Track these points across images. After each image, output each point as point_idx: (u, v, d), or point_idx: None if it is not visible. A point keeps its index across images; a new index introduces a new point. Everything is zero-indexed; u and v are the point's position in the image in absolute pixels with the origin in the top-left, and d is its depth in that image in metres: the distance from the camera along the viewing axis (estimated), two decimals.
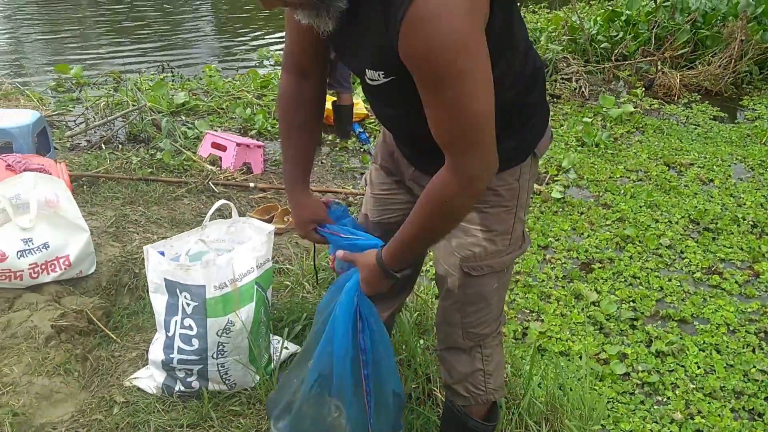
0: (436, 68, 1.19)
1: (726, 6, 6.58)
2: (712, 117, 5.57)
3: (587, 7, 8.08)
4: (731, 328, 3.01)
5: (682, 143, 4.98)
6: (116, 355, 2.24)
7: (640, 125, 5.31)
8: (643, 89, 6.03)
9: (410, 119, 1.36)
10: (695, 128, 5.30)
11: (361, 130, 4.85)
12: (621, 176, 4.45)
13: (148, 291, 2.06)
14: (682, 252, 3.59)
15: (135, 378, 2.11)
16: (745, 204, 4.09)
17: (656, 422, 2.52)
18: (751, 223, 3.86)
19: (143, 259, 2.12)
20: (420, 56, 1.18)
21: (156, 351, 2.03)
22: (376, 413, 1.62)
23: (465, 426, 1.78)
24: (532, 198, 1.68)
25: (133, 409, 2.00)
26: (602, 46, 6.59)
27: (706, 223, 3.84)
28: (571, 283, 3.31)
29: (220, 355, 1.99)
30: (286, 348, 2.22)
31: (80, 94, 5.37)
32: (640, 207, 4.01)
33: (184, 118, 4.85)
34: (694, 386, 2.68)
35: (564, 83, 6.01)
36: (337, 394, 1.60)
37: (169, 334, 1.98)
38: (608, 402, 2.57)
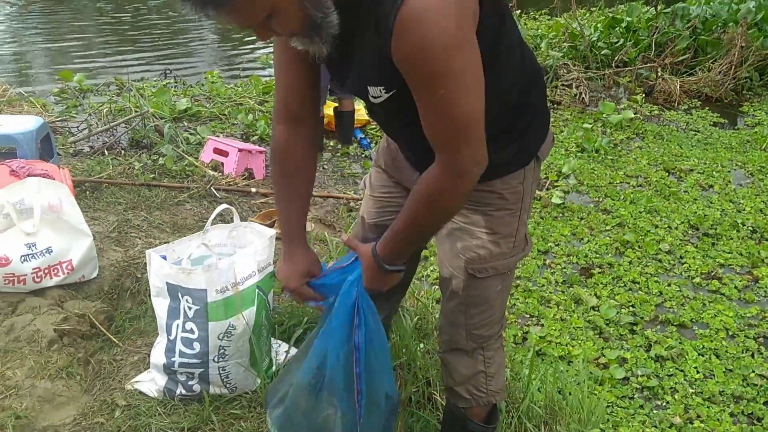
0: (428, 67, 1.21)
1: (726, 13, 6.61)
2: (712, 123, 5.59)
3: (588, 14, 8.12)
4: (730, 333, 3.02)
5: (681, 149, 5.00)
6: (118, 358, 2.26)
7: (640, 131, 5.33)
8: (644, 95, 6.06)
9: (417, 129, 1.39)
10: (695, 134, 5.32)
11: (363, 136, 4.88)
12: (621, 182, 4.47)
13: (149, 295, 2.08)
14: (681, 257, 3.61)
15: (137, 381, 2.13)
16: (744, 209, 4.10)
17: (655, 426, 2.52)
18: (750, 228, 3.88)
19: (145, 263, 2.14)
20: (413, 56, 1.21)
21: (158, 354, 2.05)
22: (367, 413, 1.62)
23: (465, 428, 1.79)
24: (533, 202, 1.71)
25: (134, 412, 2.02)
26: (602, 52, 6.62)
27: (705, 228, 3.86)
28: (571, 288, 3.32)
29: (221, 359, 2.00)
30: (287, 351, 2.24)
31: (83, 100, 5.40)
32: (640, 212, 4.03)
33: (186, 124, 4.88)
34: (693, 391, 2.69)
35: (564, 89, 6.04)
36: (329, 388, 1.60)
37: (171, 338, 1.99)
38: (607, 406, 2.58)
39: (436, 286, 3.20)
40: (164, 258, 2.00)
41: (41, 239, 2.35)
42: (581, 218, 3.98)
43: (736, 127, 5.56)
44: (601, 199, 4.22)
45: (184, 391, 2.05)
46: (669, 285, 3.35)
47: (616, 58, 6.47)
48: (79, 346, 2.24)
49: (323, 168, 4.45)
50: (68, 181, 2.79)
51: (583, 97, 5.91)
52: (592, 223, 3.92)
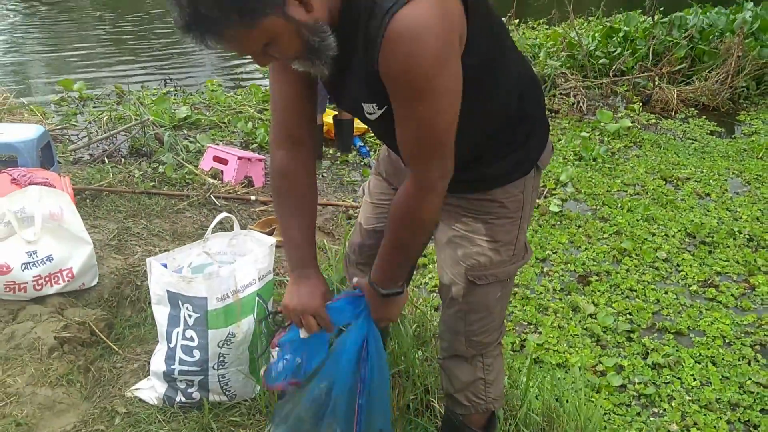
0: (411, 83, 1.25)
1: (723, 22, 6.65)
2: (709, 132, 5.62)
3: (586, 24, 8.16)
4: (727, 341, 3.04)
5: (679, 158, 5.02)
6: (118, 366, 2.27)
7: (638, 140, 5.35)
8: (641, 104, 6.09)
9: None
10: (692, 143, 5.35)
11: (362, 144, 4.90)
12: (618, 190, 4.49)
13: (149, 303, 2.09)
14: (678, 265, 3.63)
15: (136, 389, 2.14)
16: (741, 218, 4.12)
17: None
18: (747, 236, 3.90)
19: (145, 271, 2.15)
20: (397, 71, 1.24)
21: (158, 362, 2.06)
22: None
23: None
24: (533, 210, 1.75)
25: (134, 419, 2.03)
26: (600, 61, 6.66)
27: (702, 236, 3.88)
28: (569, 296, 3.34)
29: (220, 366, 2.02)
30: None
31: (83, 108, 5.42)
32: (637, 220, 4.05)
33: (186, 132, 4.91)
34: (690, 398, 2.70)
35: (562, 98, 6.07)
36: (333, 415, 1.62)
37: (171, 345, 2.01)
38: (605, 414, 2.59)
39: (435, 294, 3.21)
40: (165, 266, 2.01)
41: (42, 247, 2.37)
42: (579, 226, 4.00)
43: (733, 136, 5.59)
44: (598, 207, 4.24)
45: (183, 399, 2.06)
46: (666, 293, 3.37)
47: (613, 67, 6.51)
48: (79, 353, 2.26)
49: (322, 176, 4.47)
50: (69, 189, 2.81)
51: (580, 106, 5.94)
52: (590, 231, 3.94)
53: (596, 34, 7.07)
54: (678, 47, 6.37)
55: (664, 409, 2.65)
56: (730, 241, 3.83)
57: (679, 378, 2.81)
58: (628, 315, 3.20)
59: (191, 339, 1.98)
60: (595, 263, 3.62)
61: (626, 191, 4.48)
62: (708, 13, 6.98)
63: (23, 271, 2.33)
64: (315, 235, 1.65)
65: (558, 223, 4.04)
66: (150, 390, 2.11)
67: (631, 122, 5.58)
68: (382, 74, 1.27)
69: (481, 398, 1.76)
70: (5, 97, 5.21)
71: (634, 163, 4.92)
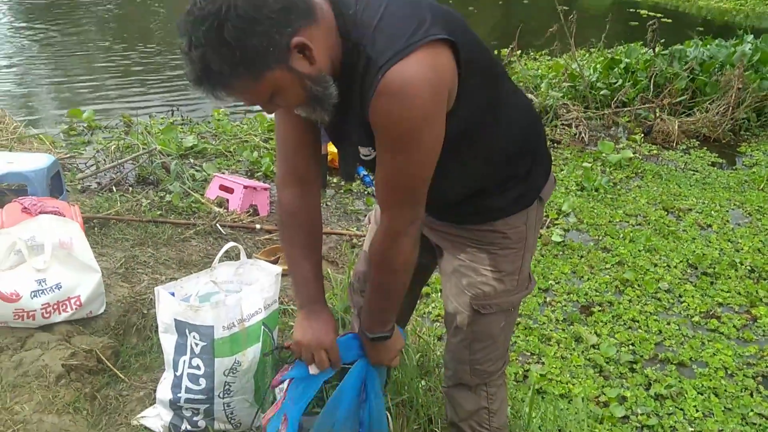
0: (396, 134, 1.33)
1: (723, 55, 6.74)
2: (710, 163, 5.66)
3: (587, 55, 8.26)
4: (729, 372, 3.04)
5: (680, 189, 5.06)
6: (124, 394, 2.29)
7: (639, 170, 5.40)
8: (642, 135, 6.14)
9: None
10: (693, 174, 5.39)
11: (366, 173, 4.94)
12: (620, 221, 4.52)
13: (155, 331, 2.11)
14: (680, 296, 3.64)
15: (142, 417, 2.15)
16: (742, 249, 4.14)
17: None
18: (748, 267, 3.92)
19: (152, 299, 2.18)
20: (385, 121, 1.32)
21: (164, 390, 2.08)
22: None
23: None
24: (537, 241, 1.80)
25: None
26: (602, 92, 6.72)
27: (704, 267, 3.90)
28: (572, 326, 3.36)
29: (226, 395, 2.03)
30: None
31: (92, 137, 5.50)
32: (639, 251, 4.07)
33: (192, 160, 4.96)
34: (692, 429, 2.71)
35: (564, 129, 6.13)
36: None
37: (177, 374, 2.03)
38: None
39: (438, 323, 3.23)
40: (173, 294, 2.04)
41: (51, 275, 2.40)
42: (581, 256, 4.02)
43: (734, 167, 5.63)
44: (600, 238, 4.27)
45: (189, 427, 2.07)
46: (668, 323, 3.38)
47: (615, 98, 6.56)
48: (86, 381, 2.27)
49: (326, 204, 4.51)
50: (78, 218, 2.85)
51: (582, 137, 6.00)
52: (592, 261, 3.96)
53: (598, 66, 7.15)
54: (679, 79, 6.44)
55: None
56: (731, 272, 3.85)
57: (681, 409, 2.81)
58: (630, 346, 3.21)
59: (198, 367, 2.00)
60: (597, 293, 3.64)
61: (628, 222, 4.51)
62: (708, 46, 7.07)
63: (32, 299, 2.36)
64: (321, 268, 1.70)
65: (560, 253, 4.06)
66: (156, 418, 2.12)
67: (633, 153, 5.63)
68: (371, 121, 1.34)
69: (485, 427, 1.78)
70: (15, 127, 5.28)
71: (636, 193, 4.95)
